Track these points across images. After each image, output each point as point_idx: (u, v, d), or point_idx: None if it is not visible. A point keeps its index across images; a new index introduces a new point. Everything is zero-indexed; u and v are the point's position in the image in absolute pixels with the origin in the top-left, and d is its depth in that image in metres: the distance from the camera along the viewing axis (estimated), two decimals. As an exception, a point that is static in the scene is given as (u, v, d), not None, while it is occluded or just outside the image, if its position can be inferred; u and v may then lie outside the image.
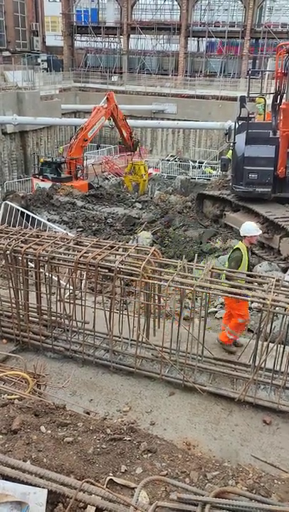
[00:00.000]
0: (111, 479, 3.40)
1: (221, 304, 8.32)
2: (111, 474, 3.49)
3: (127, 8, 44.19)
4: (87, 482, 3.13)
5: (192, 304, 5.89)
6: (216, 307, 8.31)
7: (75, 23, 46.74)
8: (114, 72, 45.25)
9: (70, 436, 3.90)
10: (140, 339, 6.14)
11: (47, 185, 21.70)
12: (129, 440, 3.96)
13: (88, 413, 5.25)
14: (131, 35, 45.84)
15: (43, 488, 3.05)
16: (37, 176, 24.52)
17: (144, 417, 5.45)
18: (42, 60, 44.51)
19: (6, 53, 40.70)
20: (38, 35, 45.72)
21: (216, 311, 8.14)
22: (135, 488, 3.25)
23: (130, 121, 29.36)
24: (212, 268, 6.00)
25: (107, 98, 24.24)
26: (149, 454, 3.85)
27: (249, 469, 3.89)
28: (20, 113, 30.41)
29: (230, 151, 15.32)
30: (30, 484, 3.08)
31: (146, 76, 42.62)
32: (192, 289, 5.50)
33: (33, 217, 11.59)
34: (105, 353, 6.38)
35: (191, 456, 3.98)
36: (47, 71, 41.97)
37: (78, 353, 6.39)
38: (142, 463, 3.71)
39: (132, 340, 6.39)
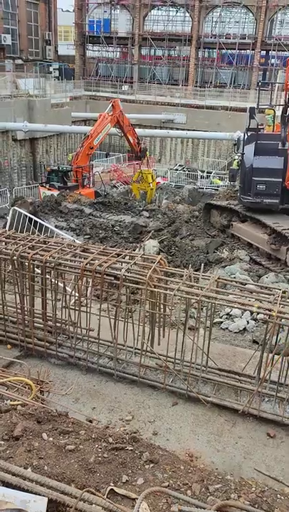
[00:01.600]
0: (112, 489, 3.36)
1: (227, 314, 8.28)
2: (112, 484, 3.45)
3: (139, 19, 44.67)
4: (88, 492, 3.09)
5: (197, 314, 5.86)
6: (221, 317, 8.27)
7: (87, 33, 47.30)
8: (125, 82, 45.63)
9: (72, 444, 3.87)
10: (144, 348, 6.12)
11: (54, 193, 21.82)
12: (131, 450, 3.92)
13: (91, 421, 5.22)
14: (142, 46, 46.26)
15: (44, 496, 3.03)
16: (44, 184, 24.63)
17: (146, 427, 5.41)
18: (54, 69, 44.99)
19: (19, 61, 41.16)
20: (50, 44, 46.25)
21: (222, 322, 8.11)
22: (136, 499, 3.21)
23: (139, 131, 29.55)
24: (218, 278, 5.98)
25: (113, 105, 24.42)
26: (151, 465, 3.81)
27: (252, 483, 3.84)
28: (31, 120, 30.69)
29: (236, 162, 15.35)
30: (31, 492, 3.05)
31: (157, 86, 42.91)
32: (198, 298, 5.48)
33: (40, 223, 11.64)
34: (109, 361, 6.35)
35: (193, 467, 3.94)
36: (58, 79, 42.42)
37: (82, 360, 6.38)
38: (144, 473, 3.67)
39: (136, 348, 6.36)
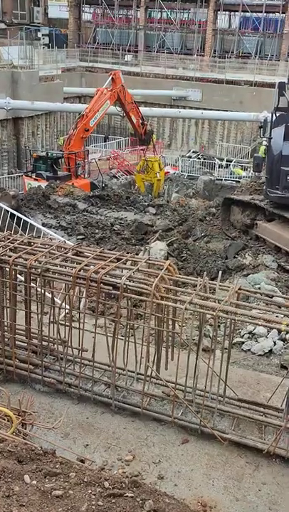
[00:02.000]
0: None
1: (249, 333, 8.26)
2: (108, 538, 3.44)
3: (146, -25, 44.92)
4: None
5: (213, 332, 5.86)
6: (242, 337, 8.25)
7: (83, -9, 47.62)
8: (129, 51, 45.82)
9: (60, 488, 3.87)
10: (149, 373, 6.11)
11: (41, 185, 21.89)
12: (132, 497, 3.91)
13: (83, 461, 5.22)
14: (149, 7, 46.48)
15: None
16: (29, 174, 24.69)
17: (150, 469, 5.40)
18: (43, 35, 45.28)
19: (1, 26, 41.49)
20: (39, 6, 46.57)
21: (243, 342, 8.08)
22: None
23: (145, 110, 29.63)
24: (239, 289, 5.97)
25: (112, 78, 24.50)
26: (156, 516, 3.80)
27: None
28: (15, 96, 30.85)
29: (263, 148, 15.35)
30: None
31: (167, 56, 43.06)
32: (214, 313, 5.47)
33: (25, 220, 11.67)
34: (106, 388, 6.35)
35: (206, 519, 3.92)
36: (48, 47, 42.69)
37: (73, 387, 6.38)
38: (147, 526, 3.66)
39: (138, 373, 6.36)
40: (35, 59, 36.17)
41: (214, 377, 5.81)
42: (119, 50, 44.63)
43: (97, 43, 47.87)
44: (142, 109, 27.94)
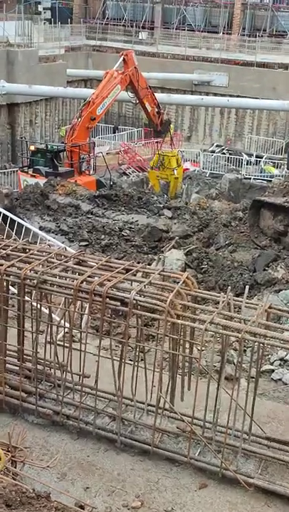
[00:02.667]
0: None
1: (281, 359, 8.21)
2: None
3: None
4: None
5: (238, 358, 5.82)
6: (272, 364, 8.20)
7: None
8: (143, 28, 46.12)
9: (55, 539, 3.85)
10: (161, 405, 6.08)
11: (39, 182, 22.00)
12: None
13: (82, 507, 5.19)
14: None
15: None
16: (25, 170, 24.83)
17: (161, 518, 5.36)
18: (44, 8, 45.78)
19: (-4, -3, 41.96)
20: (40, -26, 47.10)
21: (273, 370, 8.04)
22: None
23: (161, 96, 29.77)
24: (269, 307, 5.94)
25: (124, 60, 24.65)
26: None
27: None
28: (10, 78, 31.16)
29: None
30: None
31: (188, 34, 43.27)
32: (239, 336, 5.44)
33: (19, 223, 11.73)
34: (111, 421, 6.34)
35: None
36: (50, 23, 43.10)
37: (72, 419, 6.37)
38: None
39: (149, 405, 6.34)
40: (35, 36, 36.51)
41: (238, 411, 5.77)
42: (132, 26, 44.96)
43: (107, 18, 48.30)
44: (159, 96, 28.07)
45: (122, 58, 24.84)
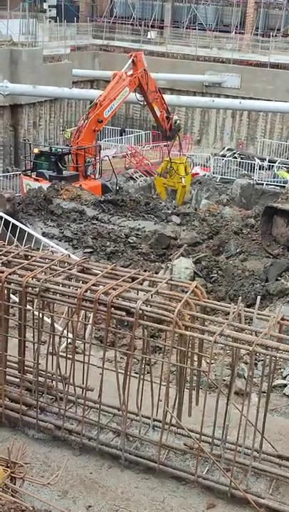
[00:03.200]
0: None
1: (293, 373, 8.18)
2: None
3: None
4: None
5: (249, 372, 5.80)
6: (285, 378, 8.17)
7: None
8: (152, 27, 46.31)
9: None
10: (168, 420, 6.07)
11: (43, 186, 22.07)
12: None
13: (84, 527, 5.18)
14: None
15: None
16: (28, 173, 24.92)
17: (167, 540, 5.34)
18: (49, 6, 46.00)
19: (0, -6, 42.24)
20: (45, -29, 47.41)
21: (285, 385, 8.01)
22: None
23: (171, 98, 29.86)
24: (282, 319, 5.92)
25: (133, 61, 24.75)
26: None
27: None
28: (14, 79, 31.33)
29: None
30: None
31: (199, 33, 43.42)
32: (250, 348, 5.43)
33: (21, 228, 11.75)
34: (115, 437, 6.32)
35: None
36: (55, 21, 43.34)
37: (75, 434, 6.35)
38: None
39: (155, 420, 6.32)
40: (40, 35, 36.70)
41: (249, 427, 5.74)
42: (140, 25, 45.16)
43: (115, 17, 48.55)
44: (168, 98, 28.13)
45: (131, 60, 24.92)
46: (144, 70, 24.91)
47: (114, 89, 24.31)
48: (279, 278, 13.86)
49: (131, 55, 25.32)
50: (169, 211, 20.67)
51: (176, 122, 26.98)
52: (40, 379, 6.62)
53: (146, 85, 24.98)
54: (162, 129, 26.85)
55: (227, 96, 37.17)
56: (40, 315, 6.43)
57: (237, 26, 45.09)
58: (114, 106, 24.48)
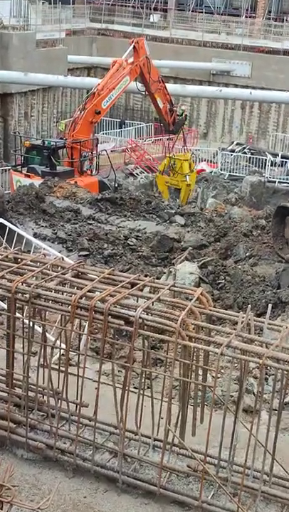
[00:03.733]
0: None
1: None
2: None
3: None
4: None
5: (259, 388, 5.80)
6: (298, 394, 8.17)
7: None
8: (155, 9, 46.40)
9: None
10: (170, 439, 6.06)
11: (35, 182, 22.08)
12: None
13: None
14: None
15: None
16: (18, 169, 24.93)
17: None
18: (43, -14, 46.02)
19: (-11, -27, 42.33)
20: None
21: (299, 402, 8.01)
22: None
23: (175, 87, 29.91)
24: (295, 329, 5.92)
25: (135, 48, 24.79)
26: None
27: None
28: (4, 65, 31.40)
29: None
30: None
31: (205, 17, 43.51)
32: (260, 361, 5.42)
33: (11, 228, 11.76)
34: (111, 457, 6.31)
35: None
36: (49, 3, 43.42)
37: (68, 454, 6.34)
38: None
39: (156, 440, 6.31)
40: (32, 17, 36.78)
41: (258, 448, 5.74)
42: (142, 8, 45.24)
43: (114, -1, 48.58)
44: (171, 87, 28.19)
45: (132, 46, 24.95)
46: (147, 57, 24.96)
47: (114, 77, 24.36)
48: (292, 285, 13.86)
49: (132, 42, 25.36)
50: (173, 211, 20.69)
51: (182, 113, 26.95)
52: (30, 394, 6.62)
53: (149, 74, 25.02)
54: (165, 123, 26.88)
55: (236, 85, 37.22)
56: (31, 323, 6.43)
57: (247, 10, 45.14)
58: (114, 96, 24.51)
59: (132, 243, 17.02)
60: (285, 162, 31.28)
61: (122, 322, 5.90)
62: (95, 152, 25.65)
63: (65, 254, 13.82)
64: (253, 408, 6.35)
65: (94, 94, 24.32)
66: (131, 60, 24.78)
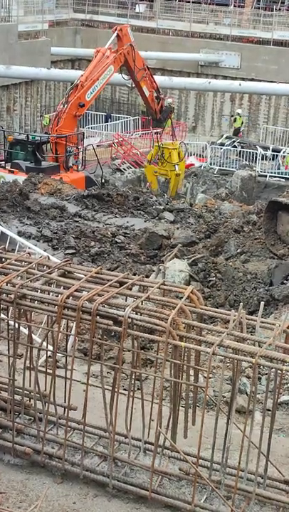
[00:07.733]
0: None
1: (302, 389, 8.21)
2: None
3: None
4: None
5: (252, 388, 5.81)
6: (292, 394, 8.20)
7: None
8: (141, -1, 46.35)
9: None
10: (161, 442, 6.07)
11: (19, 178, 22.04)
12: None
13: None
14: None
15: None
16: (1, 165, 24.87)
17: None
18: (24, -25, 45.86)
19: None
20: None
21: (293, 401, 8.04)
22: None
23: (163, 79, 29.92)
24: (288, 327, 5.94)
25: (118, 35, 24.72)
26: None
27: None
28: (-15, 58, 31.22)
29: None
30: None
31: (193, 7, 43.50)
32: (253, 361, 5.44)
33: (-6, 227, 11.74)
34: (101, 461, 6.31)
35: None
36: (31, -7, 43.34)
37: (56, 459, 6.34)
38: None
39: (146, 443, 6.32)
40: (14, 8, 36.64)
41: (252, 449, 5.75)
42: (128, -2, 45.16)
43: (99, -12, 48.50)
44: (159, 79, 28.20)
45: (115, 34, 24.90)
46: (131, 45, 24.88)
47: (97, 68, 24.25)
48: (285, 281, 13.90)
49: (116, 29, 25.28)
50: (161, 207, 20.67)
51: (169, 105, 27.03)
52: (16, 397, 6.61)
53: (134, 62, 24.96)
54: (152, 112, 26.87)
55: (225, 77, 37.27)
56: (16, 325, 6.42)
57: (236, -1, 45.27)
58: (98, 87, 24.42)
59: (119, 241, 17.00)
60: (276, 155, 31.32)
61: (110, 322, 5.90)
62: (80, 147, 25.61)
63: (50, 252, 13.78)
64: (246, 409, 6.37)
65: (77, 86, 24.19)
66: (115, 48, 24.70)
